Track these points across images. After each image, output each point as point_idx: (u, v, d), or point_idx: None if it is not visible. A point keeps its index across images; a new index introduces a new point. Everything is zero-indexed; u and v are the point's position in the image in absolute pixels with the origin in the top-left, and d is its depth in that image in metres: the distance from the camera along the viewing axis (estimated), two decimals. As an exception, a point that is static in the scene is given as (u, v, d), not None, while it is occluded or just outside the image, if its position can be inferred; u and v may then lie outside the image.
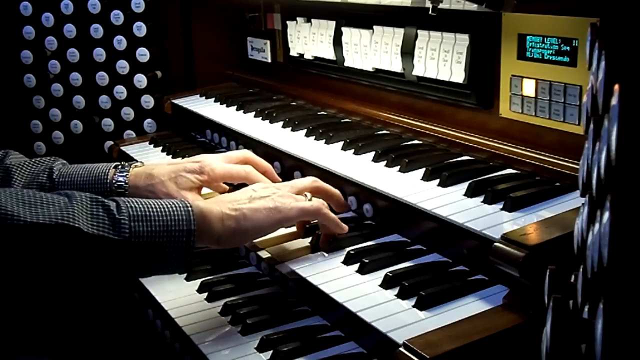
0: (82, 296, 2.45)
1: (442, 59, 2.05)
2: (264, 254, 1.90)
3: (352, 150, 2.10)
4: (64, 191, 1.57)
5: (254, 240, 1.89)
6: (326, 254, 1.79)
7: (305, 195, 1.81)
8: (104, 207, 1.53)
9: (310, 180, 1.89)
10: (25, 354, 1.95)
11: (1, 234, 1.42)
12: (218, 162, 2.04)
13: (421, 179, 1.84)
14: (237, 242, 1.77)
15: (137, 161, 2.03)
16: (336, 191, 1.93)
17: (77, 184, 1.92)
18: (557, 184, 1.70)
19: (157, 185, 1.95)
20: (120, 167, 1.97)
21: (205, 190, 2.08)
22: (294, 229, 1.93)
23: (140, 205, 1.57)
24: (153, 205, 1.58)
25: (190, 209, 1.60)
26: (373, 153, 2.03)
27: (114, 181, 1.93)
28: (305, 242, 1.87)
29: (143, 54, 3.01)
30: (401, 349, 1.35)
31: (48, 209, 1.47)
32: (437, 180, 1.80)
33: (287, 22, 2.75)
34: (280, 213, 1.71)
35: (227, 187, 2.11)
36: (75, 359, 2.29)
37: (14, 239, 1.43)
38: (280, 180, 2.08)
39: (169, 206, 1.59)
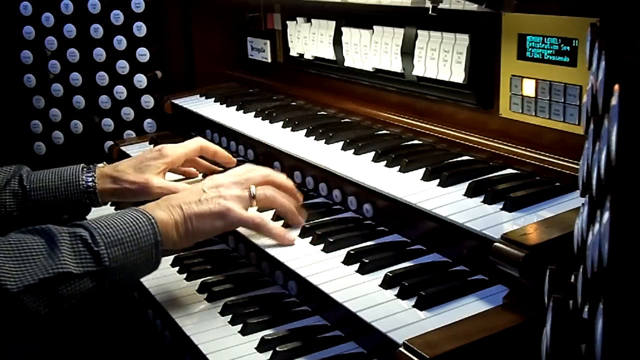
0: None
1: (442, 59, 2.05)
2: (264, 254, 1.90)
3: (352, 150, 2.10)
4: (39, 227, 1.66)
5: (253, 240, 1.90)
6: (326, 254, 1.79)
7: (249, 189, 1.86)
8: (82, 241, 1.63)
9: (261, 176, 1.93)
10: (20, 342, 1.99)
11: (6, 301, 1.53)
12: (177, 146, 2.24)
13: (421, 179, 1.84)
14: (186, 245, 1.86)
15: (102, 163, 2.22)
16: (289, 184, 1.98)
17: (49, 188, 2.06)
18: (557, 184, 1.70)
19: (123, 178, 2.11)
20: (86, 168, 2.12)
21: (171, 176, 2.29)
22: (295, 228, 1.94)
23: (111, 230, 1.66)
24: (121, 225, 1.67)
25: (153, 221, 1.71)
26: (373, 153, 2.03)
27: (82, 182, 2.08)
28: (306, 242, 1.87)
29: (143, 54, 3.01)
30: (401, 349, 1.35)
31: (40, 260, 1.57)
32: (437, 180, 1.80)
33: (287, 22, 2.75)
34: (223, 220, 1.81)
35: (197, 172, 2.37)
36: (75, 359, 2.29)
37: (16, 301, 1.54)
38: (235, 162, 2.32)
39: (134, 221, 1.69)
